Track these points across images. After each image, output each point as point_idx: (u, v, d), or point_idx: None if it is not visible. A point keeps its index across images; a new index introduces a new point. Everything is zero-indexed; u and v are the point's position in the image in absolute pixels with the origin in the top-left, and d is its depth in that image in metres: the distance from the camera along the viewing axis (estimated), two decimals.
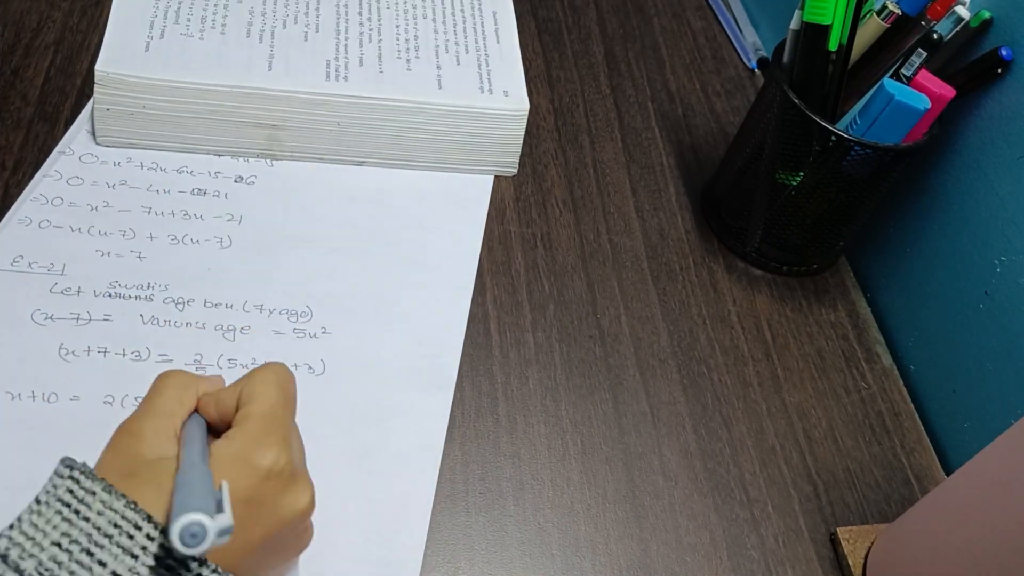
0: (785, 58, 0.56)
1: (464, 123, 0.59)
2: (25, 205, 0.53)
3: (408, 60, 0.60)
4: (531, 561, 0.46)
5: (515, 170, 0.63)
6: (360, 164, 0.60)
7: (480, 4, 0.66)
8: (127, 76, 0.54)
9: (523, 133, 0.61)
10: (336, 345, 0.51)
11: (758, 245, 0.61)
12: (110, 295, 0.50)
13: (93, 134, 0.56)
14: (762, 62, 0.76)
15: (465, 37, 0.63)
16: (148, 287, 0.50)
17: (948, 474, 0.54)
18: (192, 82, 0.55)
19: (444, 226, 0.58)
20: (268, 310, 0.51)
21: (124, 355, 0.47)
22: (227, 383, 0.40)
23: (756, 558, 0.48)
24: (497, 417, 0.51)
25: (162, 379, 0.38)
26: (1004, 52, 0.52)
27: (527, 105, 0.60)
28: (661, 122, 0.69)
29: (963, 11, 0.53)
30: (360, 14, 0.62)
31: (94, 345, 0.47)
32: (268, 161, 0.59)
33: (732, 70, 0.75)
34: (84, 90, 0.60)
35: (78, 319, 0.48)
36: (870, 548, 0.49)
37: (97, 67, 0.54)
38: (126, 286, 0.50)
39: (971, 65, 0.53)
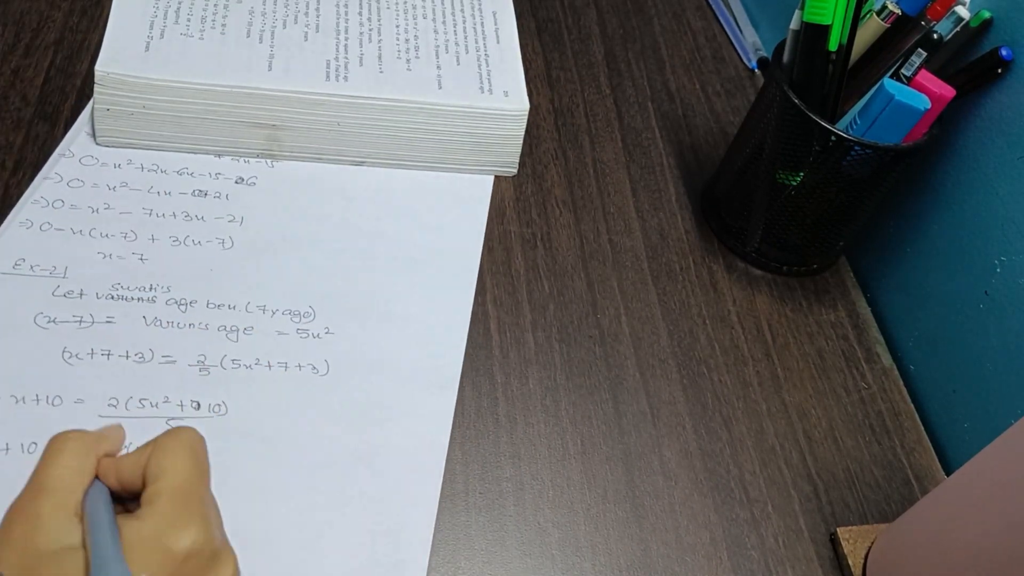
0: (785, 58, 0.56)
1: (464, 123, 0.59)
2: (26, 208, 0.53)
3: (408, 60, 0.60)
4: (531, 561, 0.46)
5: (515, 170, 0.63)
6: (360, 164, 0.60)
7: (480, 4, 0.66)
8: (127, 76, 0.54)
9: (523, 133, 0.61)
10: (340, 345, 0.51)
11: (758, 245, 0.61)
12: (112, 297, 0.50)
13: (93, 135, 0.56)
14: (762, 62, 0.76)
15: (465, 37, 0.63)
16: (150, 289, 0.50)
17: (948, 474, 0.54)
18: (192, 82, 0.55)
19: (445, 226, 0.58)
20: (271, 311, 0.51)
21: (128, 357, 0.47)
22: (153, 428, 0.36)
23: (756, 558, 0.48)
24: (497, 417, 0.51)
25: (56, 445, 0.34)
26: (1004, 52, 0.52)
27: (527, 105, 0.60)
28: (661, 122, 0.69)
29: (963, 11, 0.53)
30: (360, 14, 0.62)
31: (97, 348, 0.47)
32: (268, 162, 0.59)
33: (732, 70, 0.75)
34: (84, 90, 0.60)
35: (81, 322, 0.48)
36: (870, 548, 0.49)
37: (97, 67, 0.54)
38: (128, 288, 0.50)
39: (971, 65, 0.53)
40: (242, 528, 0.41)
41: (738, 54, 0.77)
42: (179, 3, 0.60)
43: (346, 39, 0.60)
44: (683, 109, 0.71)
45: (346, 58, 0.59)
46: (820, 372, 0.57)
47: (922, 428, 0.56)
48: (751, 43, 0.77)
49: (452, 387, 0.51)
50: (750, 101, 0.73)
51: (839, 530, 0.49)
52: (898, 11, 0.54)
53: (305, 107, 0.57)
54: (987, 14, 0.53)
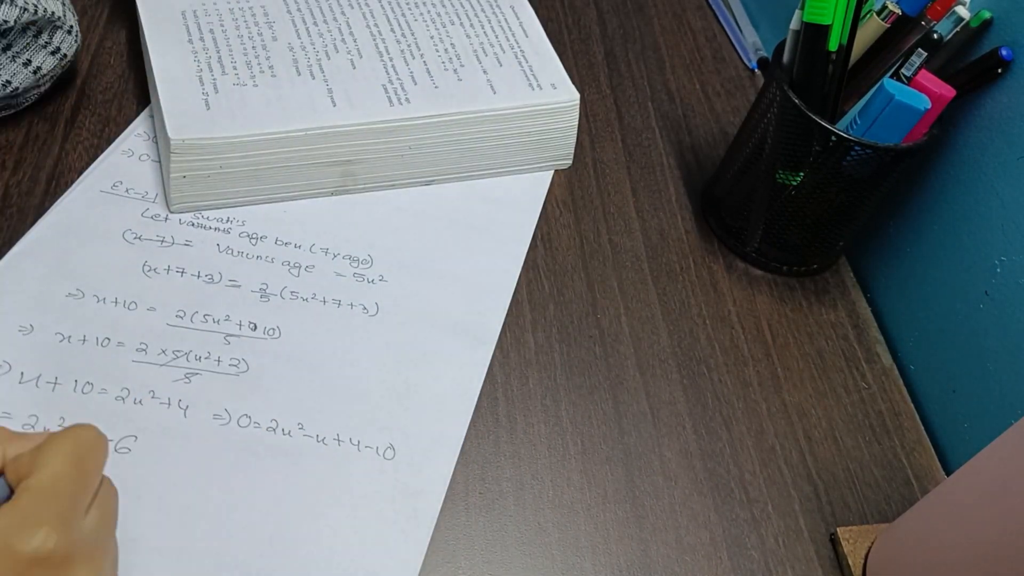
0: (785, 58, 0.56)
1: (523, 123, 0.60)
2: (130, 139, 0.58)
3: (455, 70, 0.60)
4: (531, 561, 0.46)
5: (570, 162, 0.63)
6: (429, 183, 0.60)
7: (496, 1, 0.66)
8: (202, 139, 0.52)
9: (577, 123, 0.62)
10: (391, 292, 0.54)
11: (758, 245, 0.61)
12: (192, 224, 0.55)
13: (167, 203, 0.55)
14: (762, 62, 0.76)
15: (496, 37, 0.63)
16: (227, 221, 0.56)
17: (948, 474, 0.54)
18: (267, 132, 0.54)
19: (504, 200, 0.61)
20: (333, 254, 0.56)
21: (199, 277, 0.53)
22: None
23: (756, 558, 0.48)
24: (497, 417, 0.51)
25: None
26: (1004, 52, 0.52)
27: (577, 95, 0.61)
28: (661, 122, 0.69)
29: (963, 11, 0.53)
30: (393, 32, 0.61)
31: (173, 266, 0.53)
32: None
33: (732, 70, 0.75)
34: (84, 90, 0.60)
35: (162, 241, 0.54)
36: (870, 548, 0.49)
37: (170, 135, 0.52)
38: (208, 218, 0.55)
39: (971, 65, 0.53)
40: (278, 440, 0.48)
41: (738, 54, 0.77)
42: (218, 52, 0.57)
43: (391, 59, 0.59)
44: (683, 109, 0.71)
45: (399, 79, 0.58)
46: (820, 372, 0.57)
47: (922, 428, 0.56)
48: (751, 43, 0.77)
49: (489, 343, 0.53)
50: (750, 101, 0.73)
51: (839, 530, 0.49)
52: (898, 11, 0.54)
53: (377, 136, 0.56)
54: (987, 14, 0.53)
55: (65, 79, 0.60)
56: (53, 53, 0.53)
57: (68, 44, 0.55)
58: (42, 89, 0.56)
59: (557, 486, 0.49)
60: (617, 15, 0.77)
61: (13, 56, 0.51)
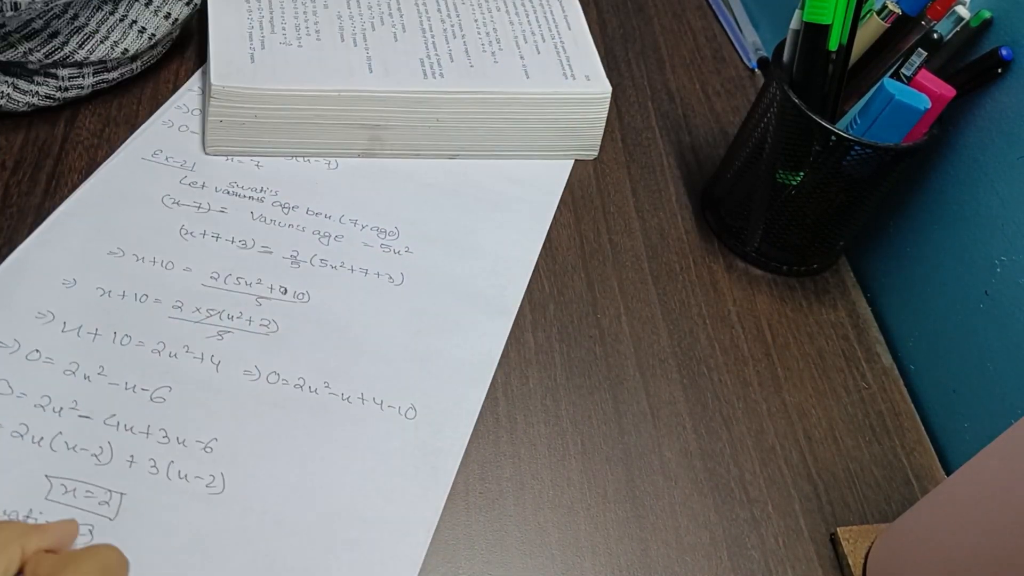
0: (785, 58, 0.56)
1: (552, 109, 0.61)
2: (170, 111, 0.60)
3: (493, 53, 0.62)
4: (531, 561, 0.46)
5: (596, 153, 0.65)
6: (454, 157, 0.62)
7: None
8: (241, 88, 0.56)
9: (606, 116, 0.63)
10: (416, 263, 0.56)
11: (758, 245, 0.61)
12: (228, 192, 0.57)
13: (203, 145, 0.58)
14: (762, 62, 0.76)
15: (539, 26, 0.65)
16: (261, 191, 0.58)
17: (948, 474, 0.54)
18: (302, 89, 0.57)
19: (527, 180, 0.63)
20: (361, 225, 0.58)
21: (232, 242, 0.55)
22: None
23: (756, 558, 0.48)
24: (497, 417, 0.51)
25: None
26: (1004, 52, 0.52)
27: (609, 88, 0.62)
28: (661, 122, 0.69)
29: (963, 11, 0.53)
30: (439, 11, 0.64)
31: (209, 230, 0.55)
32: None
33: (732, 70, 0.75)
34: None
35: (199, 207, 0.56)
36: (870, 548, 0.49)
37: (212, 81, 0.56)
38: (243, 187, 0.58)
39: (971, 65, 0.53)
40: (305, 397, 0.49)
41: (738, 54, 0.77)
42: (271, 12, 0.61)
43: (432, 37, 0.62)
44: (683, 109, 0.71)
45: (437, 55, 0.61)
46: (820, 372, 0.57)
47: (922, 428, 0.56)
48: (751, 43, 0.77)
49: (509, 315, 0.55)
50: (750, 101, 0.73)
51: (839, 530, 0.49)
52: (898, 11, 0.54)
53: (407, 105, 0.59)
54: (987, 14, 0.53)
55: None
56: (187, 3, 0.59)
57: None
58: (173, 35, 0.61)
59: (557, 486, 0.49)
60: (617, 15, 0.77)
61: (155, 10, 0.57)
